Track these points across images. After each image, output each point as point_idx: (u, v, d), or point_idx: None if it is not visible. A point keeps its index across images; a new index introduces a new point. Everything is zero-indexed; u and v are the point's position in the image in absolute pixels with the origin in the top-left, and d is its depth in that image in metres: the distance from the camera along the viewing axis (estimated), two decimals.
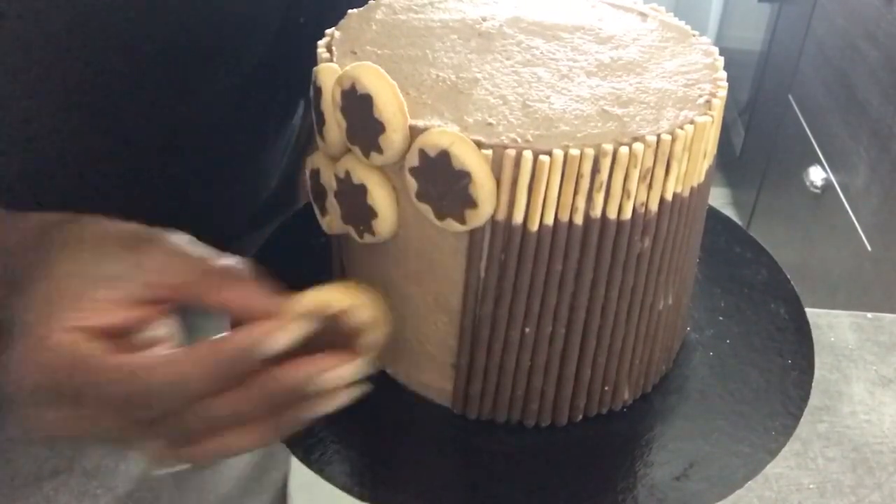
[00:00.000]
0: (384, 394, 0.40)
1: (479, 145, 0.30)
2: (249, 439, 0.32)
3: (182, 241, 0.34)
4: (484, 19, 0.40)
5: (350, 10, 0.41)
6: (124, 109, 0.48)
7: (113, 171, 0.50)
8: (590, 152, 0.30)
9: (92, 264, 0.33)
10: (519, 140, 0.30)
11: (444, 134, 0.30)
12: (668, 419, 0.40)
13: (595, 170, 0.31)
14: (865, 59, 1.25)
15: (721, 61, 0.38)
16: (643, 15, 0.42)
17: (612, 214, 0.32)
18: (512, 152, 0.30)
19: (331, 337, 0.32)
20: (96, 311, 0.32)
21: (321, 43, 0.38)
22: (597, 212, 0.32)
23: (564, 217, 0.32)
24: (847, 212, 1.28)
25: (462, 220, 0.31)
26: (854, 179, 1.26)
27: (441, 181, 0.31)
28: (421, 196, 0.32)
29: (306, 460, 0.37)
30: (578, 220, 0.32)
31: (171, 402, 0.30)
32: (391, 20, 0.40)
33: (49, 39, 0.43)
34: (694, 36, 0.40)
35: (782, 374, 0.43)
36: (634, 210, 0.32)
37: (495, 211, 0.31)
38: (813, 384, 0.41)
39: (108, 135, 0.49)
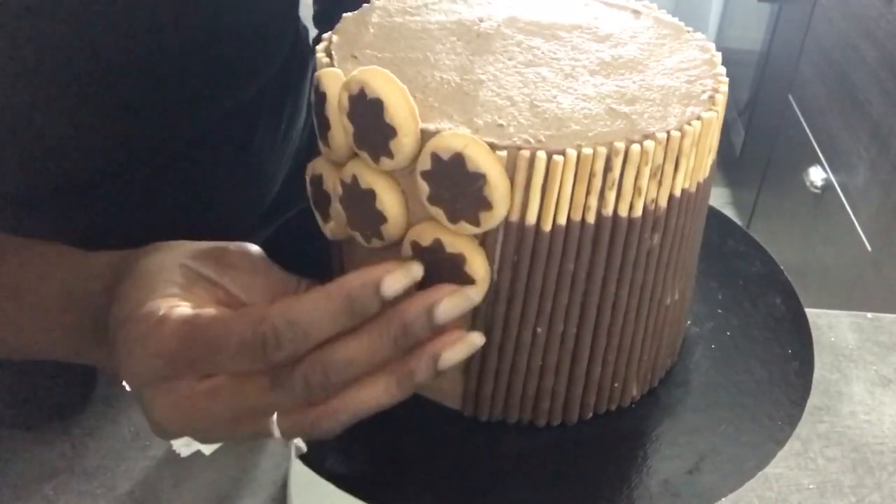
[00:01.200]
0: (412, 407, 0.40)
1: (493, 147, 0.30)
2: (378, 392, 0.31)
3: (256, 258, 0.35)
4: (481, 20, 0.40)
5: (344, 14, 0.40)
6: (143, 121, 0.49)
7: (128, 177, 0.50)
8: (602, 151, 0.30)
9: (178, 263, 0.34)
10: (532, 141, 0.30)
11: (457, 136, 0.30)
12: (676, 413, 0.40)
13: (607, 168, 0.31)
14: (865, 59, 1.24)
15: (719, 57, 0.38)
16: (636, 12, 0.42)
17: (623, 212, 0.32)
18: (526, 153, 0.30)
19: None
20: (195, 301, 0.32)
21: (319, 48, 0.37)
22: (608, 210, 0.32)
23: (577, 216, 0.32)
24: (847, 212, 1.28)
25: (476, 223, 0.31)
26: (854, 179, 1.26)
27: (455, 184, 0.30)
28: (433, 199, 0.32)
29: (310, 462, 0.37)
30: (591, 218, 0.32)
31: (296, 343, 0.29)
32: (388, 23, 0.39)
33: (63, 53, 0.43)
34: (688, 32, 0.40)
35: (783, 364, 0.43)
36: (645, 207, 0.32)
37: (508, 212, 0.31)
38: (813, 384, 0.41)
39: (125, 147, 0.49)
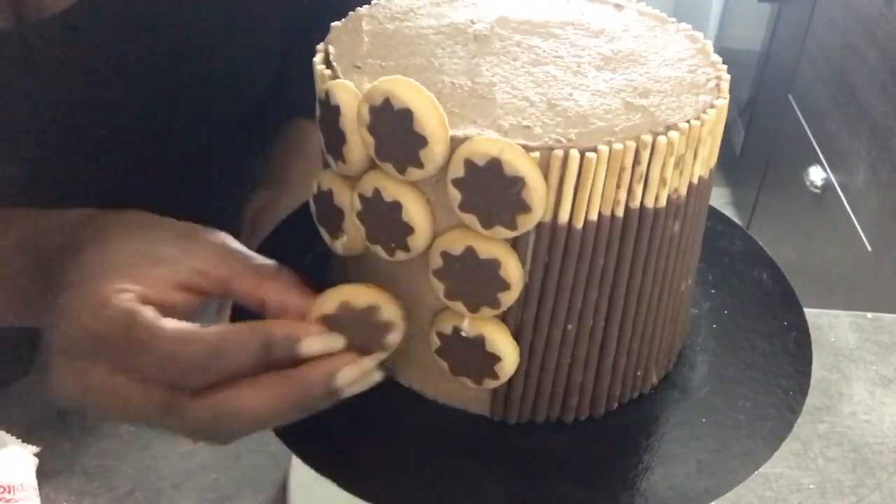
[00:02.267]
0: (410, 406, 0.40)
1: (526, 149, 0.30)
2: (273, 410, 0.32)
3: (227, 238, 0.36)
4: (472, 22, 0.39)
5: (333, 24, 0.39)
6: (141, 136, 0.49)
7: (127, 189, 0.50)
8: (631, 145, 0.31)
9: (145, 243, 0.34)
10: (563, 140, 0.30)
11: (492, 142, 0.30)
12: (694, 395, 0.41)
13: (636, 161, 0.31)
14: (865, 59, 1.25)
15: (709, 44, 0.39)
16: (619, 6, 0.43)
17: (649, 203, 0.33)
18: (559, 153, 0.30)
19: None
20: (150, 285, 0.33)
21: (317, 60, 0.37)
22: (636, 202, 0.32)
23: (607, 211, 0.32)
24: (847, 212, 1.28)
25: (513, 226, 0.31)
26: (854, 179, 1.27)
27: (490, 190, 0.30)
28: (466, 206, 0.31)
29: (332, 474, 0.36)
30: (619, 212, 0.32)
31: (210, 374, 0.31)
32: (381, 30, 0.39)
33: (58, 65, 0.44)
34: (672, 22, 0.41)
35: (782, 336, 0.45)
36: (668, 197, 0.33)
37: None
38: (813, 384, 0.42)
39: (126, 157, 0.50)
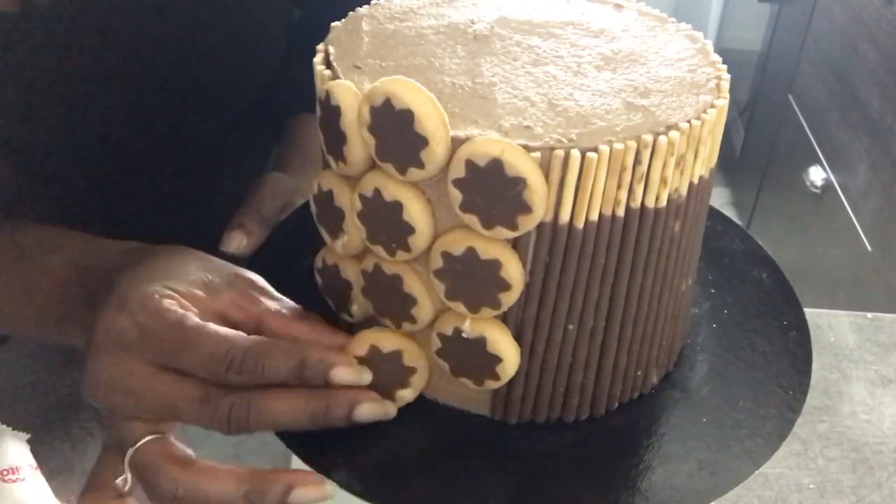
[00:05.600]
0: (411, 406, 0.40)
1: (527, 149, 0.30)
2: (295, 411, 0.35)
3: (261, 280, 0.39)
4: (472, 22, 0.39)
5: (333, 24, 0.39)
6: (140, 131, 0.50)
7: (128, 188, 0.52)
8: (632, 145, 0.31)
9: (194, 267, 0.38)
10: (564, 140, 0.30)
11: (493, 142, 0.30)
12: (695, 395, 0.41)
13: (636, 161, 0.31)
14: (865, 59, 1.25)
15: (709, 44, 0.39)
16: (618, 6, 0.43)
17: (650, 203, 0.33)
18: (560, 153, 0.30)
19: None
20: (194, 304, 0.36)
21: (317, 60, 0.36)
22: (637, 202, 0.32)
23: (607, 211, 0.32)
24: (847, 212, 1.28)
25: (514, 227, 0.31)
26: (854, 179, 1.27)
27: (491, 190, 0.30)
28: (467, 207, 0.31)
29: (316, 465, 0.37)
30: (620, 212, 0.32)
31: (252, 376, 0.34)
32: (381, 30, 0.39)
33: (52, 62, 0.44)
34: (672, 22, 0.41)
35: (782, 335, 0.45)
36: (669, 196, 0.33)
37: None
38: (813, 384, 0.42)
39: (124, 156, 0.51)
